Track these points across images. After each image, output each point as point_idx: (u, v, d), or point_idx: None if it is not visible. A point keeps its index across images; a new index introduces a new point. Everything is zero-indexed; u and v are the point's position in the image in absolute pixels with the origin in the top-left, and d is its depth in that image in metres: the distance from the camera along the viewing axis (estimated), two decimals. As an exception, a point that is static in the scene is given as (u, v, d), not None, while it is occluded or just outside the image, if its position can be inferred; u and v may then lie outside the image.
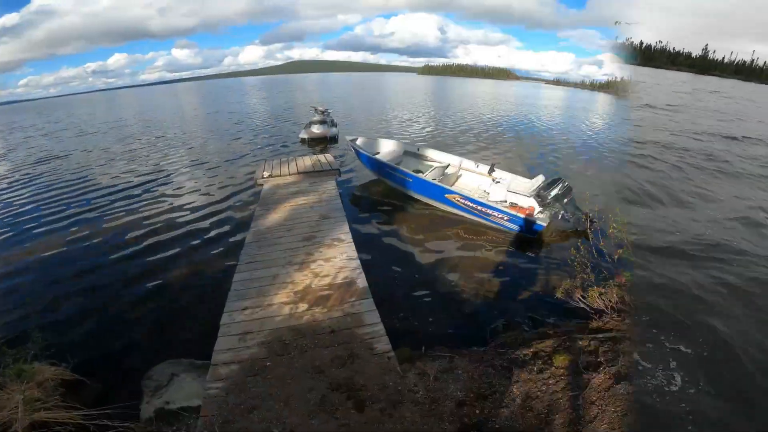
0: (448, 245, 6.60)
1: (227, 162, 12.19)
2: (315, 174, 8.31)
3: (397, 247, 6.53)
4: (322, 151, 12.58)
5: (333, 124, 15.04)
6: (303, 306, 3.94)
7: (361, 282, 4.28)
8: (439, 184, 7.54)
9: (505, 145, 15.21)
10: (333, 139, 14.46)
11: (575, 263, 4.43)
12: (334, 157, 9.47)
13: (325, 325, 3.64)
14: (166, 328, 4.60)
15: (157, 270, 5.89)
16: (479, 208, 7.03)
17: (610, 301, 3.83)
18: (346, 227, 5.74)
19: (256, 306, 3.98)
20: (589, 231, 6.03)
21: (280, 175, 8.23)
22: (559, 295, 4.17)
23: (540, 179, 7.45)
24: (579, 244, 4.64)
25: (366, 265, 4.75)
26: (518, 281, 5.60)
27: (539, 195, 6.71)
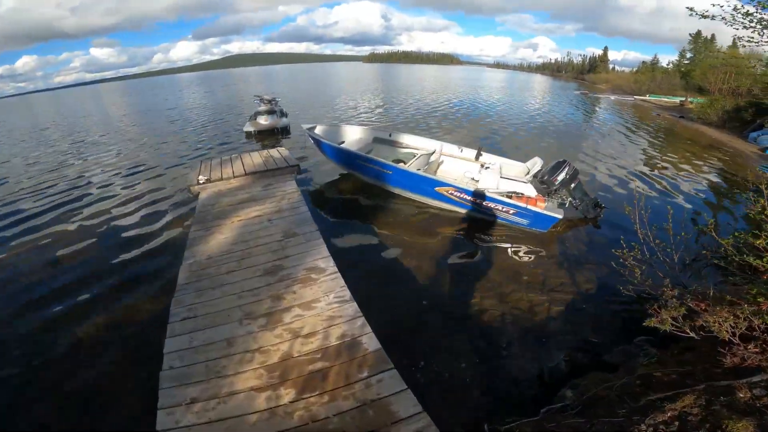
0: (450, 252, 5.31)
1: (158, 168, 9.61)
2: (268, 174, 6.48)
3: (390, 264, 5.02)
4: (274, 146, 10.73)
5: (283, 114, 13.02)
6: (287, 393, 2.37)
7: (370, 341, 2.74)
8: (427, 175, 6.15)
9: (456, 123, 15.68)
10: (284, 131, 12.49)
11: (629, 267, 3.45)
12: (290, 151, 7.69)
13: (335, 428, 2.11)
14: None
15: (62, 323, 4.06)
16: (479, 201, 5.77)
17: (739, 327, 2.60)
18: (323, 248, 4.08)
19: (210, 396, 2.36)
20: (599, 218, 5.67)
21: (222, 179, 6.29)
22: (657, 325, 2.83)
23: (537, 162, 6.36)
24: (622, 241, 3.58)
25: (361, 303, 3.19)
26: (552, 293, 4.45)
27: (544, 181, 5.69)
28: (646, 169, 9.99)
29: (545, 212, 5.41)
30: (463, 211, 6.13)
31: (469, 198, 5.85)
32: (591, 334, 3.81)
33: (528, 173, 6.40)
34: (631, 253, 3.46)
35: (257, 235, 4.54)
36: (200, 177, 6.31)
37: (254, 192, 5.90)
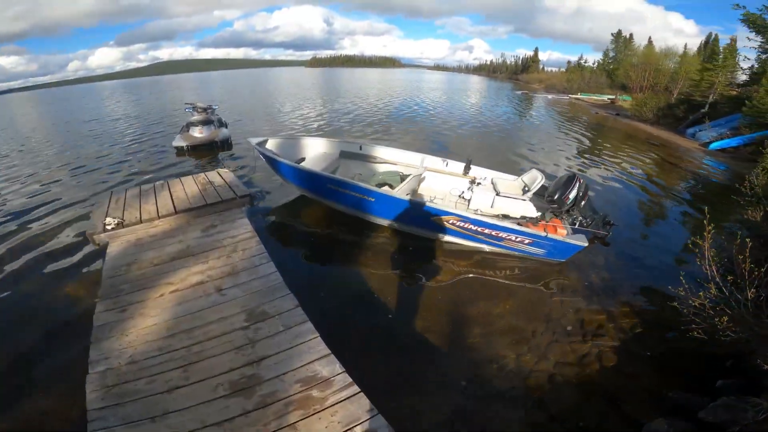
0: (464, 300, 4.28)
1: (57, 202, 7.05)
2: (209, 210, 4.88)
3: (400, 332, 3.79)
4: (213, 165, 8.86)
5: (222, 124, 11.06)
6: None
7: None
8: (422, 202, 4.92)
9: (403, 126, 15.27)
10: (225, 144, 10.51)
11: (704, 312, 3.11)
12: (234, 173, 6.09)
13: None
14: None
15: None
16: (486, 231, 4.76)
17: None
18: (316, 339, 2.74)
19: None
20: (608, 236, 4.94)
21: (142, 221, 4.59)
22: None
23: (537, 177, 5.44)
24: (682, 278, 3.24)
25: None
26: (596, 338, 3.81)
27: (554, 200, 4.83)
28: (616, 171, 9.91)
29: (568, 240, 4.58)
30: (466, 243, 5.10)
31: (475, 228, 4.80)
32: (663, 386, 3.20)
33: (525, 188, 5.54)
34: (707, 296, 3.11)
35: (205, 318, 3.04)
36: (108, 220, 4.53)
37: (191, 240, 4.30)
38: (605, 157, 11.82)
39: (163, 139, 12.36)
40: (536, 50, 78.22)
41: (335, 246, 5.31)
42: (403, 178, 5.54)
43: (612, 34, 46.17)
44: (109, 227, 4.45)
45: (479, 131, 15.18)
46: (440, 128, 15.19)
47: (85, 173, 9.04)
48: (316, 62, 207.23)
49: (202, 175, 6.00)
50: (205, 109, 11.06)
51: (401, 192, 5.03)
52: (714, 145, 14.13)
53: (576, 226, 4.79)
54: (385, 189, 5.14)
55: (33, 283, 4.53)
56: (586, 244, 4.57)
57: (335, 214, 5.77)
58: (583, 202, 4.95)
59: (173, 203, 4.94)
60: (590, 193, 5.26)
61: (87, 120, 19.50)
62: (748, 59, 21.85)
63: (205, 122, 10.35)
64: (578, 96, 36.08)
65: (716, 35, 39.23)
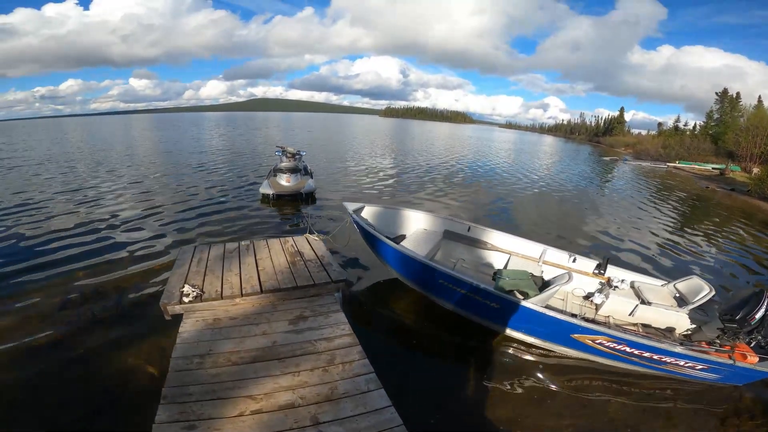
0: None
1: (135, 245, 6.77)
2: (298, 293, 4.12)
3: None
4: (298, 220, 8.41)
5: (307, 173, 10.88)
6: None
7: None
8: (564, 318, 3.91)
9: (470, 187, 14.76)
10: (309, 197, 10.06)
11: None
12: (323, 240, 5.40)
13: None
14: None
15: None
16: (645, 354, 3.84)
17: None
18: None
19: None
20: None
21: (223, 297, 3.93)
22: None
23: (702, 288, 4.52)
24: None
25: None
26: None
27: (734, 320, 3.88)
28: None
29: (759, 369, 3.74)
30: (610, 362, 4.11)
31: (630, 351, 3.84)
32: None
33: (677, 296, 4.68)
34: None
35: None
36: (186, 289, 3.95)
37: (277, 334, 3.50)
38: (733, 245, 9.81)
39: (250, 180, 12.62)
40: (622, 109, 74.16)
41: (443, 353, 4.35)
42: (534, 279, 4.46)
43: (716, 93, 42.02)
44: (186, 299, 3.86)
45: (556, 201, 13.91)
46: (508, 194, 14.16)
47: (174, 204, 9.20)
48: (389, 112, 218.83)
49: (290, 240, 5.35)
50: (294, 155, 11.05)
51: (540, 302, 3.97)
52: None
53: (752, 345, 3.88)
54: (515, 294, 4.10)
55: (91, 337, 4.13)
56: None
57: (434, 306, 4.78)
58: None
59: (259, 278, 4.25)
60: None
61: (191, 151, 21.15)
62: None
63: (293, 170, 10.17)
64: (677, 164, 32.51)
65: None
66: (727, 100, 40.82)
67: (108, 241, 6.95)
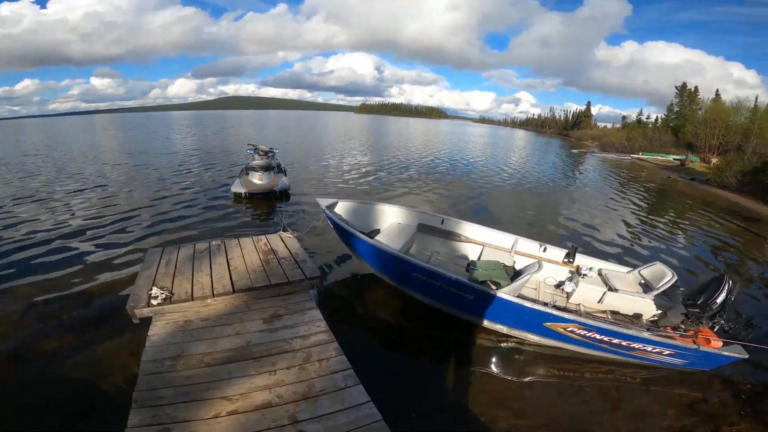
0: (583, 418, 3.54)
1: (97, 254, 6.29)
2: (272, 291, 4.04)
3: None
4: (271, 219, 8.23)
5: (281, 170, 10.68)
6: None
7: None
8: (537, 308, 3.98)
9: (444, 179, 15.16)
10: (283, 194, 9.87)
11: None
12: (297, 237, 5.27)
13: None
14: None
15: None
16: (615, 341, 3.94)
17: None
18: None
19: None
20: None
21: (192, 298, 3.82)
22: None
23: (665, 274, 4.67)
24: None
25: None
26: None
27: (696, 304, 3.98)
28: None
29: (723, 353, 3.86)
30: (581, 349, 4.21)
31: (600, 338, 3.93)
32: None
33: (642, 282, 4.83)
34: None
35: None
36: (154, 291, 3.80)
37: (251, 333, 3.42)
38: (687, 230, 10.44)
39: (222, 180, 12.22)
40: (588, 104, 76.92)
41: (421, 347, 4.35)
42: (506, 269, 4.56)
43: (676, 87, 44.08)
44: (155, 302, 3.73)
45: (529, 193, 14.35)
46: (484, 187, 14.43)
47: (142, 206, 8.77)
48: (365, 108, 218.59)
49: (263, 239, 5.23)
50: (266, 153, 10.82)
51: (512, 291, 4.06)
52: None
53: (715, 330, 4.04)
54: (488, 284, 4.17)
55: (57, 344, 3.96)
56: (746, 356, 3.85)
57: (411, 300, 4.82)
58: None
59: (231, 278, 4.14)
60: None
61: (160, 152, 20.18)
62: None
63: (266, 168, 9.98)
64: (641, 156, 34.00)
65: None
66: (686, 94, 42.93)
67: (73, 245, 6.60)
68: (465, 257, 5.59)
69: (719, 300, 3.87)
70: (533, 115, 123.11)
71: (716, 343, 3.90)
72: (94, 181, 11.95)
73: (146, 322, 3.62)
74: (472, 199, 12.03)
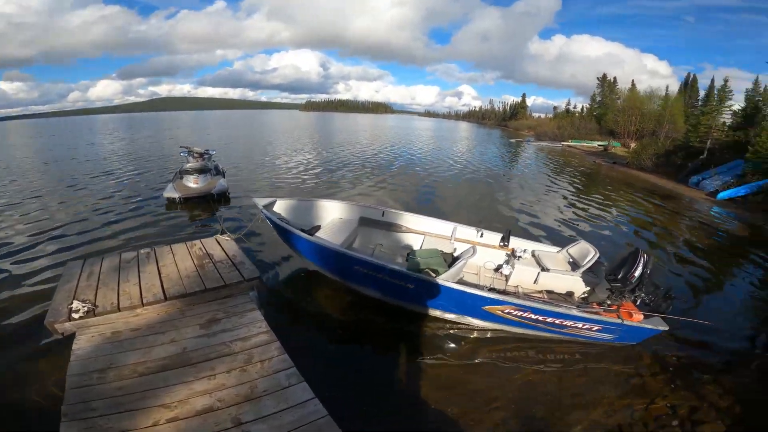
0: (523, 397, 3.65)
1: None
2: (208, 296, 3.90)
3: None
4: (209, 225, 7.82)
5: (219, 173, 10.21)
6: None
7: None
8: (475, 292, 4.16)
9: (392, 173, 15.44)
10: (222, 197, 9.46)
11: None
12: (234, 239, 5.11)
13: None
14: None
15: None
16: (549, 320, 4.12)
17: None
18: None
19: None
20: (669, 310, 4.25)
21: (118, 309, 3.59)
22: None
23: (589, 251, 4.96)
24: None
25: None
26: None
27: (618, 279, 4.22)
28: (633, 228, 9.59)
29: (645, 326, 4.09)
30: (520, 330, 4.38)
31: (536, 317, 4.11)
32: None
33: (570, 261, 5.11)
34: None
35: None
36: (75, 304, 3.53)
37: (187, 340, 3.29)
38: (612, 209, 11.52)
39: (156, 185, 11.35)
40: (524, 96, 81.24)
41: (368, 340, 4.37)
42: (444, 256, 4.73)
43: (598, 78, 47.82)
44: (76, 315, 3.47)
45: (472, 182, 15.03)
46: (430, 178, 14.92)
47: (65, 217, 8.00)
48: (310, 106, 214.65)
49: (198, 243, 4.99)
50: (201, 155, 10.27)
51: (450, 277, 4.20)
52: (723, 195, 13.85)
53: (638, 304, 4.21)
54: (427, 272, 4.28)
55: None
56: (665, 328, 4.10)
57: (356, 294, 4.88)
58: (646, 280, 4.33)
59: (162, 285, 3.93)
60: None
61: (85, 159, 18.22)
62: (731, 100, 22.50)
63: (201, 170, 9.50)
64: (570, 143, 36.71)
65: (694, 76, 41.26)
66: (606, 85, 46.81)
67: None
68: (408, 247, 5.70)
69: (637, 274, 4.13)
70: (475, 107, 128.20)
71: (638, 317, 4.10)
72: (10, 195, 10.61)
73: (71, 336, 3.39)
74: (421, 191, 12.38)
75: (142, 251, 4.74)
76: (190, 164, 9.70)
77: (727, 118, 22.54)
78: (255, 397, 2.70)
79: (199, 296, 3.85)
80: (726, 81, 23.39)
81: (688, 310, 5.24)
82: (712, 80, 32.54)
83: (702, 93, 36.47)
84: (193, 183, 9.22)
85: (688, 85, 40.41)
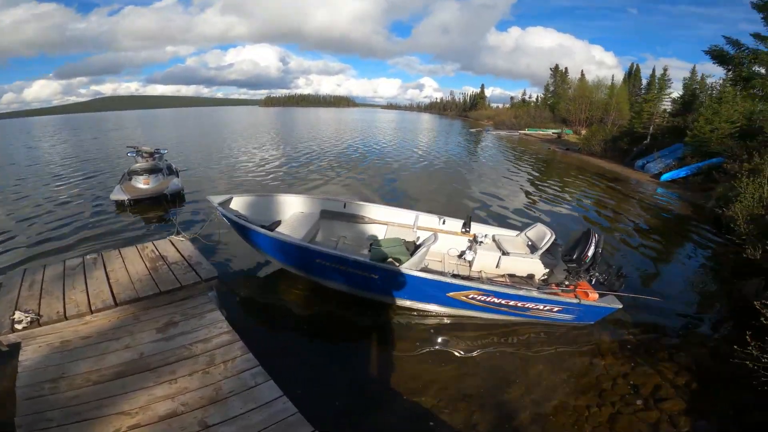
0: (490, 380, 3.70)
1: None
2: (163, 299, 3.74)
3: None
4: (163, 227, 7.44)
5: (172, 172, 9.72)
6: None
7: None
8: (438, 279, 4.21)
9: (357, 166, 15.46)
10: (176, 198, 8.99)
11: None
12: (190, 239, 4.90)
13: None
14: None
15: None
16: (511, 303, 4.21)
17: None
18: None
19: None
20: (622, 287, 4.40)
21: (65, 317, 3.38)
22: None
23: (545, 233, 5.08)
24: None
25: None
26: (662, 402, 3.46)
27: (573, 260, 4.36)
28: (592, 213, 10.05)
29: (601, 305, 4.21)
30: (484, 315, 4.46)
31: (498, 301, 4.21)
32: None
33: (529, 243, 5.23)
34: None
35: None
36: (17, 315, 3.29)
37: (143, 345, 3.16)
38: (567, 193, 12.15)
39: (105, 188, 10.61)
40: (482, 87, 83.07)
41: (336, 334, 4.34)
42: (407, 245, 4.78)
43: (550, 69, 49.74)
44: (19, 326, 3.23)
45: (436, 171, 15.32)
46: (395, 170, 15.09)
47: (4, 228, 7.31)
48: (271, 101, 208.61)
49: (150, 245, 4.75)
50: (151, 154, 9.72)
51: (413, 265, 4.24)
52: (665, 177, 14.88)
53: (593, 283, 4.38)
54: (390, 262, 4.31)
55: None
56: (619, 306, 4.19)
57: (321, 288, 4.83)
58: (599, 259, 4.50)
59: (111, 291, 3.73)
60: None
61: (24, 164, 16.59)
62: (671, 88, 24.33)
63: (152, 170, 9.00)
64: (526, 131, 38.07)
65: (638, 66, 43.98)
66: (558, 75, 48.81)
67: None
68: (371, 238, 5.68)
69: (590, 253, 4.25)
70: (436, 99, 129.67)
71: (593, 296, 4.21)
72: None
73: (17, 346, 3.19)
74: (386, 182, 12.47)
75: (88, 257, 4.47)
76: (138, 164, 9.18)
77: (667, 105, 24.34)
78: (220, 398, 2.64)
79: (154, 300, 3.70)
80: (665, 70, 25.19)
81: (639, 288, 5.52)
82: (653, 70, 35.05)
83: (644, 82, 39.12)
84: (143, 184, 8.74)
85: (632, 75, 42.88)
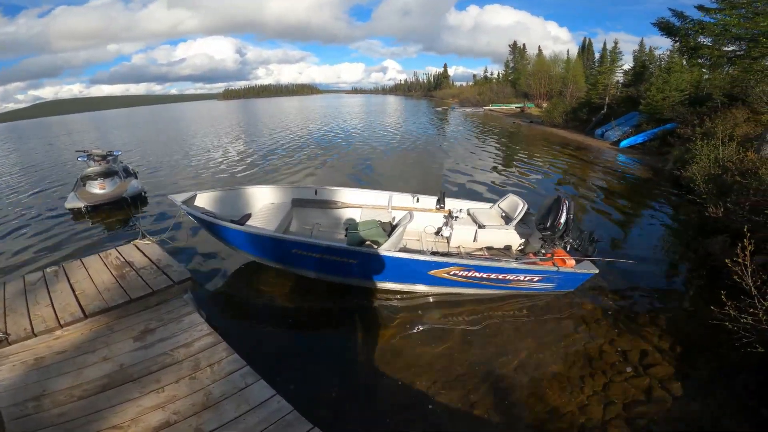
0: (480, 355, 3.69)
1: None
2: (136, 307, 3.60)
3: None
4: (126, 231, 7.08)
5: (129, 174, 9.22)
6: None
7: None
8: (418, 258, 4.16)
9: (327, 151, 15.48)
10: (137, 200, 8.56)
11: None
12: (156, 242, 4.70)
13: None
14: None
15: None
16: (492, 276, 4.25)
17: None
18: None
19: None
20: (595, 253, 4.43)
21: (33, 333, 3.19)
22: None
23: (518, 203, 5.15)
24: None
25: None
26: (650, 368, 3.48)
27: (547, 228, 4.41)
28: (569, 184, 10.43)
29: (578, 271, 4.23)
30: (467, 291, 4.49)
31: (480, 275, 4.23)
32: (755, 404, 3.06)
33: (503, 215, 5.28)
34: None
35: None
36: None
37: (122, 356, 3.02)
38: (535, 164, 12.53)
39: (57, 197, 9.97)
40: (445, 66, 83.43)
41: (320, 324, 4.28)
42: (383, 226, 4.74)
43: (509, 46, 50.62)
44: (-14, 348, 3.03)
45: (408, 151, 15.50)
46: (367, 153, 15.15)
47: None
48: (230, 94, 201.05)
49: (114, 252, 4.51)
50: (104, 157, 9.07)
51: (391, 246, 4.19)
52: (624, 143, 15.60)
53: (568, 249, 4.46)
54: (368, 245, 4.26)
55: None
56: (596, 271, 4.25)
57: (300, 278, 4.76)
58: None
59: (79, 303, 3.55)
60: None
61: None
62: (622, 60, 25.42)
63: (107, 174, 8.49)
64: (491, 107, 38.70)
65: (590, 40, 45.39)
66: (517, 52, 49.66)
67: None
68: (347, 223, 5.58)
69: (563, 220, 4.27)
70: (401, 81, 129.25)
71: (570, 262, 4.20)
72: None
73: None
74: (358, 165, 12.46)
75: (48, 270, 4.21)
76: (91, 168, 8.62)
77: (619, 76, 25.36)
78: (212, 403, 2.56)
79: (125, 308, 3.55)
80: (616, 44, 26.24)
81: (611, 252, 5.70)
82: (604, 44, 36.16)
83: (597, 55, 40.37)
84: (99, 188, 8.24)
85: (585, 49, 44.13)
